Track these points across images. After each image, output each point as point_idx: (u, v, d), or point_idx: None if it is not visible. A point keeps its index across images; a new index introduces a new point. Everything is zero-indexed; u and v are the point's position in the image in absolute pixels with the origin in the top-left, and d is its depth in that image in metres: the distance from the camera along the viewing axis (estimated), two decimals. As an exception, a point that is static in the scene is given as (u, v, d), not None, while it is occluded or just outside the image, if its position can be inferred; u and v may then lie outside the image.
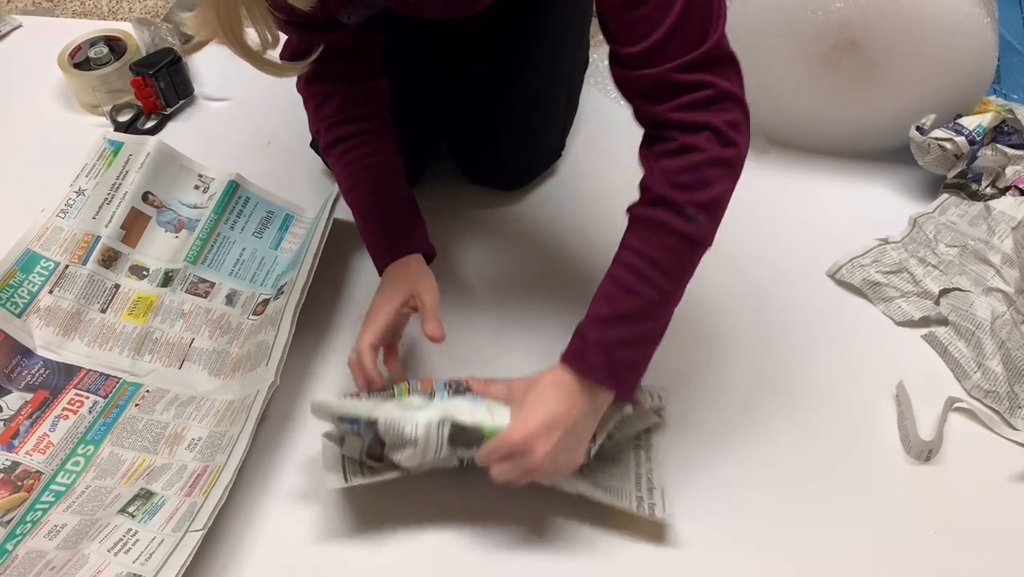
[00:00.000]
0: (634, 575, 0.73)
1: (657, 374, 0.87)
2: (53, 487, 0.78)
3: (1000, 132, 1.03)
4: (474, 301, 0.95)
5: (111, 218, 0.96)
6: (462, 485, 0.78)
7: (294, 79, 0.87)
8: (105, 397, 0.86)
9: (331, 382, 0.88)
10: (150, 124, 1.19)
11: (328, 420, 0.73)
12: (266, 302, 0.92)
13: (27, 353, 0.88)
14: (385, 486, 0.74)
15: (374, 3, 0.70)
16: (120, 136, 1.02)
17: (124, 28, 1.27)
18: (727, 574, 0.73)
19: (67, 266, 0.93)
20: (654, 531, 0.75)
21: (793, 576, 0.73)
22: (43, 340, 0.89)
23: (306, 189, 1.06)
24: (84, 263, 0.93)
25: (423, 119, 1.03)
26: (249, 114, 1.21)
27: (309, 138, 1.04)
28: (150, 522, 0.72)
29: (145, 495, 0.75)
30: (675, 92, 0.66)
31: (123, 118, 1.20)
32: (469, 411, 0.70)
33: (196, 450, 0.80)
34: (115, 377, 0.88)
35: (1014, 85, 1.15)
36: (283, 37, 0.75)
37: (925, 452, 0.80)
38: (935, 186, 1.05)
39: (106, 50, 1.22)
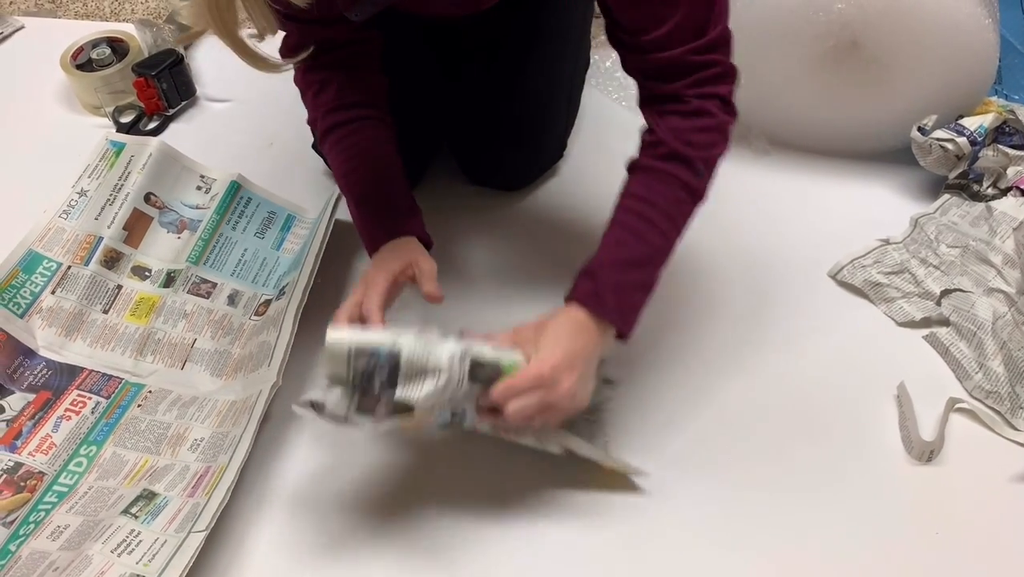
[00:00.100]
0: None
1: (658, 374, 0.88)
2: (56, 488, 0.78)
3: (1001, 133, 1.03)
4: (475, 301, 0.95)
5: (113, 219, 0.96)
6: (464, 484, 0.79)
7: (293, 76, 0.87)
8: (108, 398, 0.86)
9: (333, 383, 0.88)
10: (152, 125, 1.20)
11: (340, 359, 0.66)
12: (268, 303, 0.93)
13: (29, 354, 0.88)
14: (387, 486, 0.74)
15: (381, 0, 0.70)
16: (122, 137, 1.02)
17: (126, 29, 1.28)
18: (725, 574, 0.73)
19: (69, 267, 0.93)
20: (655, 528, 0.76)
21: (793, 575, 0.73)
22: (45, 341, 0.89)
23: (308, 190, 1.07)
24: (86, 264, 0.93)
25: (424, 119, 1.04)
26: (251, 115, 1.21)
27: (311, 139, 1.04)
28: (153, 523, 0.72)
29: (148, 496, 0.75)
30: (690, 71, 0.72)
31: (125, 119, 1.20)
32: (486, 349, 0.69)
33: (199, 451, 0.80)
34: (117, 378, 0.88)
35: (1015, 86, 1.15)
36: (281, 33, 0.76)
37: (927, 453, 0.80)
38: (936, 187, 1.06)
39: (108, 51, 1.22)
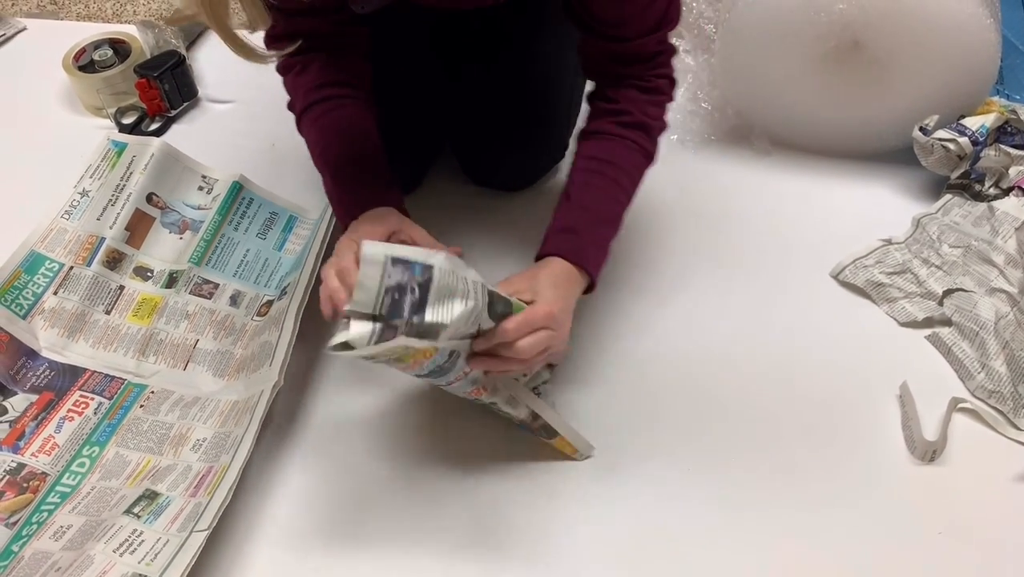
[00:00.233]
0: None
1: (659, 374, 0.88)
2: (59, 488, 0.78)
3: (1003, 133, 1.03)
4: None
5: (115, 219, 0.96)
6: (467, 484, 0.79)
7: (275, 64, 0.86)
8: (110, 398, 0.86)
9: (335, 382, 0.88)
10: (154, 126, 1.20)
11: (376, 268, 0.60)
12: (270, 303, 0.93)
13: (32, 355, 0.88)
14: (388, 485, 0.73)
15: None
16: (124, 137, 1.02)
17: (128, 31, 1.28)
18: (730, 575, 0.73)
19: (72, 267, 0.93)
20: (657, 528, 0.76)
21: (797, 576, 0.73)
22: (48, 342, 0.89)
23: (309, 191, 1.06)
24: (89, 264, 0.93)
25: (426, 120, 1.04)
26: (253, 116, 1.21)
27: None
28: (155, 522, 0.72)
29: (150, 496, 0.75)
30: (652, 57, 0.81)
31: (127, 120, 1.20)
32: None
33: (201, 451, 0.80)
34: (120, 378, 0.88)
35: (1017, 86, 1.15)
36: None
37: (929, 452, 0.80)
38: (938, 187, 1.05)
39: (110, 52, 1.22)
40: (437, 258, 0.62)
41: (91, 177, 0.99)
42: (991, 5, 0.99)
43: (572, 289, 0.76)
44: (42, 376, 0.87)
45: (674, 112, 1.17)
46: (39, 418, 0.84)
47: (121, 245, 0.95)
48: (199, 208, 1.00)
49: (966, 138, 1.00)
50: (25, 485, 0.79)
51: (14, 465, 0.80)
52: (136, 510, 0.73)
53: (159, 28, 1.26)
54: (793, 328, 0.93)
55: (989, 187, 1.02)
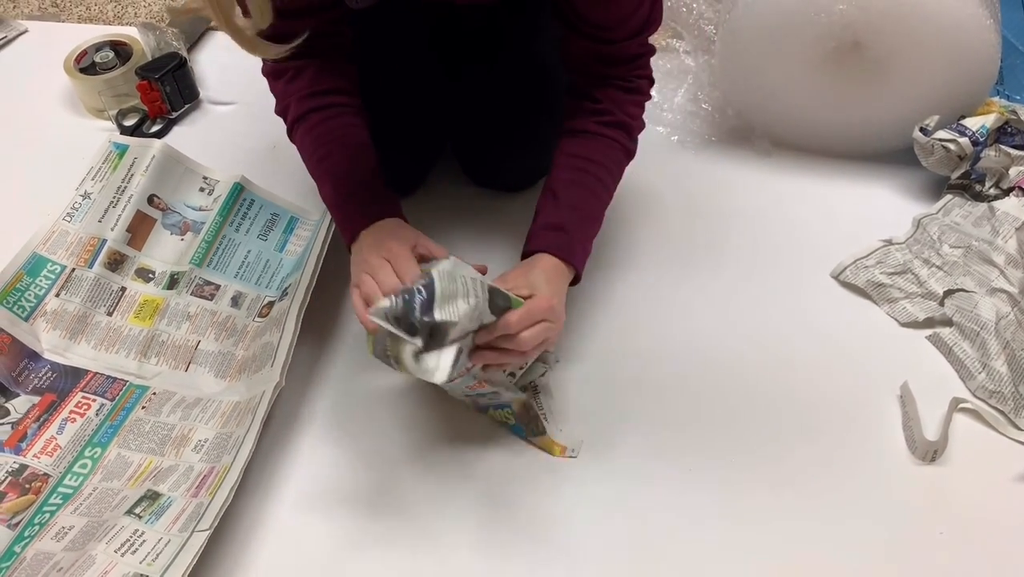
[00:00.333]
0: None
1: (659, 374, 0.88)
2: (61, 489, 0.79)
3: (1003, 133, 1.03)
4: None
5: (117, 221, 0.96)
6: (467, 485, 0.79)
7: (261, 67, 0.87)
8: (112, 400, 0.86)
9: (336, 382, 0.88)
10: (156, 128, 1.20)
11: (380, 317, 0.66)
12: (271, 304, 0.93)
13: (34, 356, 0.88)
14: (390, 486, 0.73)
15: None
16: (125, 139, 1.02)
17: (130, 33, 1.28)
18: (730, 575, 0.73)
19: (73, 269, 0.93)
20: (658, 529, 0.76)
21: (797, 575, 0.73)
22: (50, 343, 0.89)
23: (310, 192, 1.06)
24: (90, 266, 0.93)
25: (427, 121, 1.04)
26: (254, 117, 1.21)
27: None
28: (157, 523, 0.72)
29: (152, 496, 0.75)
30: (635, 59, 0.84)
31: (129, 122, 1.20)
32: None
33: (202, 451, 0.80)
34: (122, 380, 0.88)
35: (1017, 86, 1.15)
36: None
37: (930, 453, 0.80)
38: (939, 187, 1.06)
39: (112, 55, 1.23)
40: (436, 268, 0.69)
41: (92, 179, 0.99)
42: (991, 5, 0.99)
43: (563, 283, 0.80)
44: (44, 378, 0.87)
45: (674, 113, 1.18)
46: (41, 420, 0.84)
47: (123, 247, 0.96)
48: (200, 209, 1.01)
49: (966, 138, 1.01)
50: (27, 486, 0.79)
51: (16, 466, 0.80)
52: (138, 511, 0.73)
53: (160, 30, 1.27)
54: (794, 328, 0.93)
55: (989, 187, 1.02)
